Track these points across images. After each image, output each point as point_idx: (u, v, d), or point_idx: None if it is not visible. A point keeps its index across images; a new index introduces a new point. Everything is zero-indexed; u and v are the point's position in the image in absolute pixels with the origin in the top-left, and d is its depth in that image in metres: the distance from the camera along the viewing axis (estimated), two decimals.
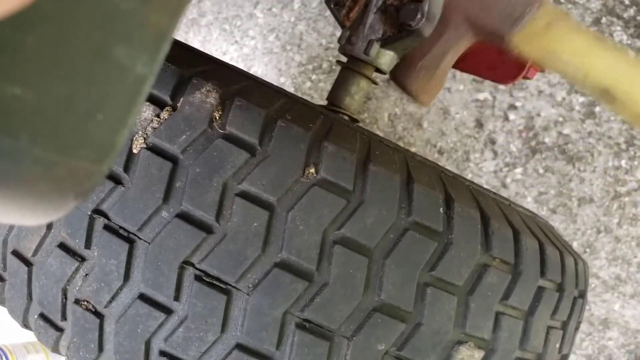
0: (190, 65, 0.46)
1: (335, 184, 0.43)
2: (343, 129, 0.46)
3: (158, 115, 0.44)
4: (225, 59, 1.67)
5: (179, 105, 0.44)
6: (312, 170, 0.43)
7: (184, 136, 0.43)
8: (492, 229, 0.46)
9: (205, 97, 0.44)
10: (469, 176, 1.44)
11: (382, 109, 1.52)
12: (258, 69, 1.63)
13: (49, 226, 0.45)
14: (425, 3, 0.76)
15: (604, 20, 1.30)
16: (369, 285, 0.43)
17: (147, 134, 0.44)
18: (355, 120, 0.84)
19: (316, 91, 1.57)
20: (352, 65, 0.81)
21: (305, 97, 1.59)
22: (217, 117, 0.43)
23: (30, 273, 0.48)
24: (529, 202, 1.38)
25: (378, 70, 0.82)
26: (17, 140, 0.21)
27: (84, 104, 0.23)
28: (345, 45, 0.82)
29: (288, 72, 1.61)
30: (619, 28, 1.29)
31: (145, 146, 0.43)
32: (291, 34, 1.61)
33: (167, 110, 0.44)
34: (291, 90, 1.60)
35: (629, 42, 1.29)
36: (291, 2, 1.62)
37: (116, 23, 0.23)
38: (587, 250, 1.33)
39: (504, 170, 1.42)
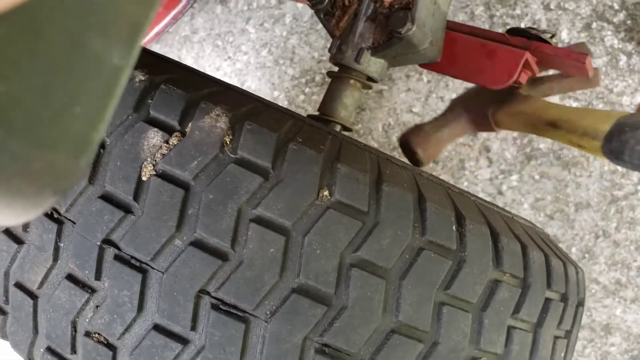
0: (195, 89, 0.45)
1: (350, 205, 0.42)
2: (352, 148, 0.46)
3: (167, 141, 0.43)
4: (219, 74, 1.67)
5: (188, 130, 0.43)
6: (326, 192, 0.42)
7: (195, 162, 0.42)
8: (502, 245, 0.46)
9: (215, 121, 0.43)
10: (465, 184, 1.44)
11: (376, 120, 1.52)
12: (251, 84, 1.63)
13: (55, 258, 0.44)
14: (414, 10, 0.77)
15: (594, 25, 1.32)
16: (386, 307, 0.43)
17: (156, 160, 0.43)
18: (349, 129, 0.84)
19: (309, 104, 1.57)
20: (343, 75, 0.81)
21: (299, 110, 1.59)
22: (228, 142, 0.43)
23: (35, 306, 0.46)
24: (525, 209, 1.39)
25: (369, 78, 0.82)
26: None
27: (59, 96, 0.22)
28: (336, 54, 0.82)
29: (281, 86, 1.61)
30: (609, 33, 1.31)
31: (154, 173, 0.43)
32: (283, 48, 1.61)
33: (176, 135, 0.43)
34: (285, 103, 1.60)
35: (619, 46, 1.30)
36: (283, 17, 1.63)
37: (91, 14, 0.22)
38: (586, 255, 1.34)
39: (500, 177, 1.42)
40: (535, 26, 1.33)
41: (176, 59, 1.72)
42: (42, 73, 0.21)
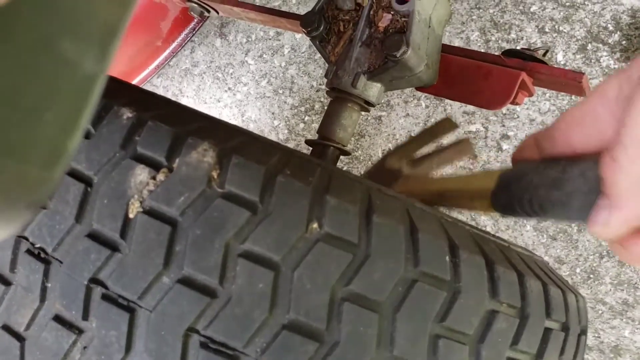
0: (183, 124, 0.45)
1: (340, 238, 0.42)
2: (342, 180, 0.46)
3: (154, 178, 0.43)
4: (220, 105, 1.68)
5: (175, 166, 0.43)
6: (315, 225, 0.42)
7: (182, 198, 0.42)
8: (497, 274, 0.45)
9: (202, 156, 0.43)
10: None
11: (375, 146, 1.52)
12: (252, 114, 1.64)
13: (42, 298, 0.43)
14: (408, 33, 0.77)
15: (589, 46, 1.32)
16: (380, 342, 0.42)
17: (143, 197, 0.42)
18: (347, 153, 0.84)
19: (309, 132, 1.58)
20: (341, 96, 0.82)
21: (299, 138, 1.59)
22: (215, 176, 0.42)
23: (23, 348, 0.46)
24: (528, 230, 1.37)
25: (366, 102, 0.82)
26: None
27: (28, 101, 0.21)
28: (332, 79, 0.83)
29: (281, 115, 1.62)
30: (605, 53, 1.31)
31: (141, 210, 0.42)
32: (283, 78, 1.62)
33: (163, 172, 0.43)
34: (285, 132, 1.60)
35: (615, 66, 1.30)
36: (281, 48, 1.64)
37: (61, 14, 0.21)
38: (591, 276, 1.32)
39: None
40: (529, 47, 1.34)
41: (177, 92, 1.74)
42: (8, 76, 0.20)
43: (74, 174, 0.44)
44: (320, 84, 1.59)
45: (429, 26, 0.82)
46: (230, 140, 0.45)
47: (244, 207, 0.41)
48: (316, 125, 1.57)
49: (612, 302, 1.30)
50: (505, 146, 1.40)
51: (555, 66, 1.03)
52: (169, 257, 0.41)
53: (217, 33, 1.72)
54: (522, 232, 1.38)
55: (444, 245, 0.44)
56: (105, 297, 0.42)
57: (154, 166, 0.43)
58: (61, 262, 0.43)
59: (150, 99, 0.49)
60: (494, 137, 1.40)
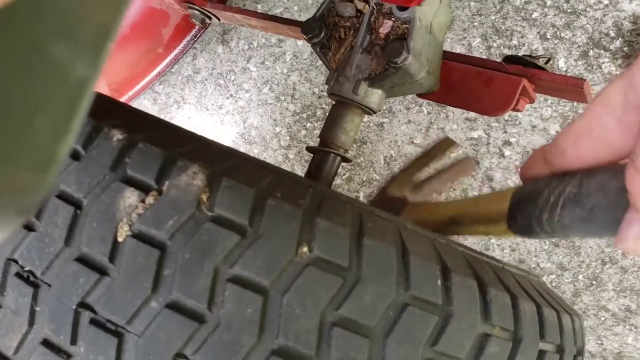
0: (174, 146, 0.45)
1: (330, 262, 0.41)
2: (333, 201, 0.45)
3: (143, 201, 0.42)
4: (222, 112, 1.68)
5: (164, 189, 0.43)
6: (305, 249, 0.41)
7: (171, 221, 0.42)
8: (490, 297, 0.44)
9: (191, 179, 0.43)
10: None
11: (377, 152, 1.52)
12: (254, 121, 1.64)
13: (31, 322, 0.43)
14: (409, 40, 0.76)
15: (591, 53, 1.31)
16: None
17: (132, 220, 0.42)
18: (348, 160, 0.83)
19: (311, 139, 1.57)
20: (344, 100, 0.81)
21: (301, 144, 1.59)
22: (205, 200, 0.42)
23: None
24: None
25: (368, 108, 0.82)
26: None
27: (19, 105, 0.21)
28: (333, 86, 0.82)
29: (283, 122, 1.62)
30: (606, 60, 1.30)
31: (130, 234, 0.42)
32: (284, 85, 1.62)
33: (153, 195, 0.43)
34: (287, 139, 1.60)
35: (617, 72, 1.29)
36: (283, 55, 1.64)
37: (53, 17, 0.21)
38: (594, 283, 1.31)
39: None
40: (531, 53, 1.33)
41: (179, 98, 1.74)
42: None
43: (63, 197, 0.44)
44: (322, 91, 1.58)
45: (430, 32, 0.82)
46: (221, 162, 0.45)
47: (233, 230, 0.41)
48: (318, 132, 1.57)
49: (615, 309, 1.29)
50: (507, 152, 1.40)
51: (557, 72, 1.02)
52: (157, 282, 0.41)
53: (219, 40, 1.72)
54: (525, 239, 1.37)
55: (435, 268, 0.43)
56: (94, 322, 0.42)
57: (144, 189, 0.43)
58: (50, 286, 0.43)
59: (141, 120, 0.48)
60: (496, 143, 1.39)
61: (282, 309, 0.40)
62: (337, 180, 1.54)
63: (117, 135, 0.45)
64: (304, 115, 1.60)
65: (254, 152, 1.64)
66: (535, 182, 0.45)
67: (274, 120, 1.63)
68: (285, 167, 1.61)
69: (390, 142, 1.49)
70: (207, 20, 1.22)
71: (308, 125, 1.60)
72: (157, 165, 0.43)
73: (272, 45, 1.66)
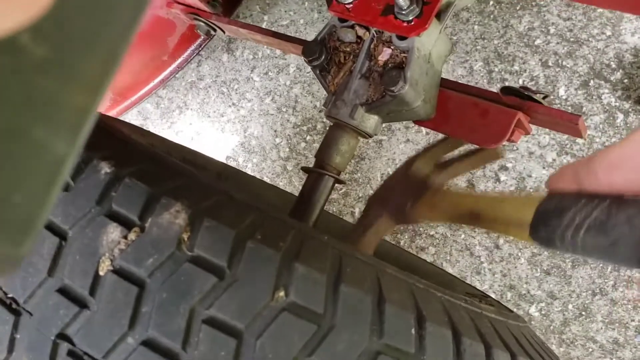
0: (160, 181, 0.46)
1: (306, 308, 0.42)
2: (315, 244, 0.46)
3: (126, 237, 0.43)
4: (223, 120, 1.69)
5: (147, 225, 0.43)
6: (282, 293, 0.42)
7: (151, 259, 0.42)
8: (464, 347, 0.45)
9: (174, 217, 0.43)
10: (462, 237, 1.43)
11: (374, 169, 1.52)
12: (254, 130, 1.65)
13: (10, 350, 0.44)
14: (407, 69, 0.77)
15: (591, 83, 1.32)
16: None
17: (114, 255, 0.43)
18: (342, 182, 0.84)
19: (310, 152, 1.58)
20: (340, 126, 0.82)
21: (300, 157, 1.60)
22: (186, 239, 0.43)
23: None
24: (522, 264, 1.37)
25: (364, 132, 0.83)
26: None
27: None
28: (331, 109, 0.83)
29: (283, 133, 1.62)
30: (606, 91, 1.30)
31: (112, 269, 0.43)
32: (287, 96, 1.63)
33: (135, 231, 0.43)
34: (286, 150, 1.61)
35: (616, 104, 1.30)
36: (287, 67, 1.65)
37: (34, 103, 0.21)
38: (583, 313, 1.31)
39: None
40: (529, 85, 1.33)
41: (182, 104, 1.75)
42: None
43: (50, 227, 0.45)
44: (323, 105, 1.59)
45: (429, 62, 0.83)
46: (205, 200, 0.45)
47: (211, 272, 0.42)
48: (317, 145, 1.57)
49: (603, 340, 1.29)
50: (503, 177, 1.40)
51: (554, 107, 1.03)
52: (135, 318, 0.42)
53: (225, 48, 1.73)
54: (516, 265, 1.38)
55: (411, 316, 0.44)
56: (71, 354, 0.42)
57: (127, 225, 0.44)
58: (31, 315, 0.44)
59: (131, 152, 0.49)
60: (492, 168, 1.40)
61: (255, 353, 0.41)
62: (334, 195, 1.55)
63: (105, 168, 0.46)
64: (305, 128, 1.61)
65: (253, 161, 1.65)
66: (562, 197, 0.45)
67: (275, 131, 1.64)
68: (283, 178, 1.62)
69: (388, 159, 1.50)
70: (212, 32, 1.23)
71: (308, 137, 1.61)
72: (142, 202, 0.44)
73: (276, 57, 1.67)
